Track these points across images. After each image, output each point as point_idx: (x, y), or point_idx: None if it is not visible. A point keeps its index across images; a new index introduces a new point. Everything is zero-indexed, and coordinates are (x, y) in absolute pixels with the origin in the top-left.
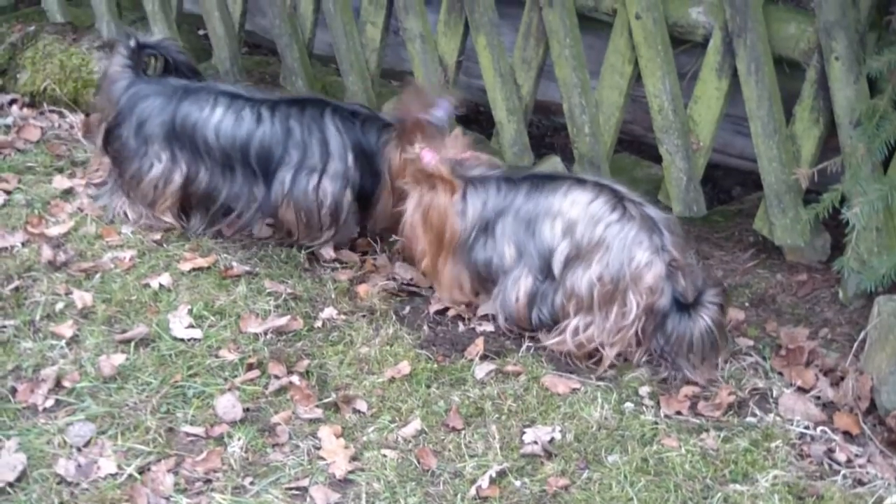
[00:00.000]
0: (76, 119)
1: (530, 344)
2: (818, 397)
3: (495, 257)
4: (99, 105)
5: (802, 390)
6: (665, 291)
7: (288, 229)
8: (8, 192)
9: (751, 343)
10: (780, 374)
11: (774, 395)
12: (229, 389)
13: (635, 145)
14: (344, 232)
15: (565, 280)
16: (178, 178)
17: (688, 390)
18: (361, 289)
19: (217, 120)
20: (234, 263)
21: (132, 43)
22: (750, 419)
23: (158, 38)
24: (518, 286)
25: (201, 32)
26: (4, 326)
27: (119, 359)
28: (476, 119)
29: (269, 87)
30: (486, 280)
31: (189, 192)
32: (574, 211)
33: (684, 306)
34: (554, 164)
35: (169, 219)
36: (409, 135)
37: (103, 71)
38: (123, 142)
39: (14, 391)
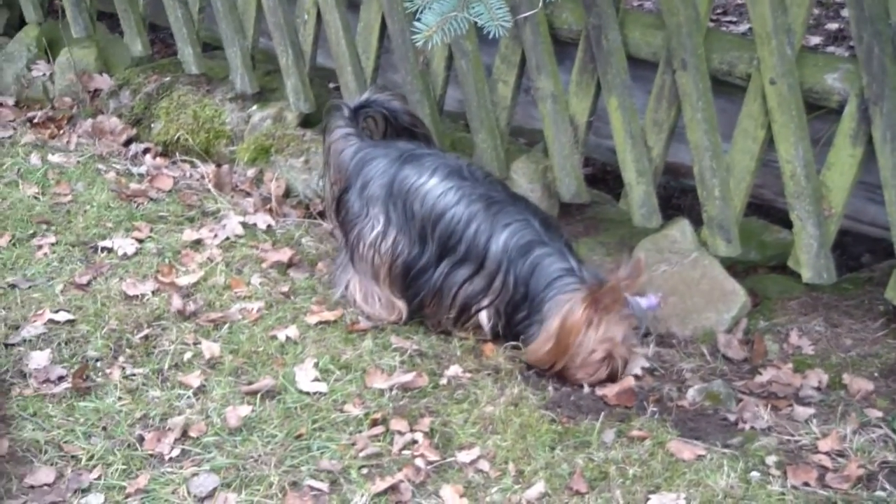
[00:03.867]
0: (207, 170)
1: (655, 409)
2: None
3: None
4: (327, 181)
5: None
6: None
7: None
8: (140, 241)
9: (880, 415)
10: None
11: None
12: (353, 444)
13: (765, 210)
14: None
15: None
16: (389, 243)
17: (816, 460)
18: (487, 347)
19: (427, 189)
20: (361, 318)
21: (345, 111)
22: (879, 493)
23: (366, 95)
24: None
25: (333, 86)
26: (134, 375)
27: (245, 410)
28: (603, 178)
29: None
30: None
31: (396, 260)
32: None
33: None
34: (682, 227)
35: (399, 302)
36: (602, 299)
37: (326, 146)
38: (349, 205)
39: (141, 439)
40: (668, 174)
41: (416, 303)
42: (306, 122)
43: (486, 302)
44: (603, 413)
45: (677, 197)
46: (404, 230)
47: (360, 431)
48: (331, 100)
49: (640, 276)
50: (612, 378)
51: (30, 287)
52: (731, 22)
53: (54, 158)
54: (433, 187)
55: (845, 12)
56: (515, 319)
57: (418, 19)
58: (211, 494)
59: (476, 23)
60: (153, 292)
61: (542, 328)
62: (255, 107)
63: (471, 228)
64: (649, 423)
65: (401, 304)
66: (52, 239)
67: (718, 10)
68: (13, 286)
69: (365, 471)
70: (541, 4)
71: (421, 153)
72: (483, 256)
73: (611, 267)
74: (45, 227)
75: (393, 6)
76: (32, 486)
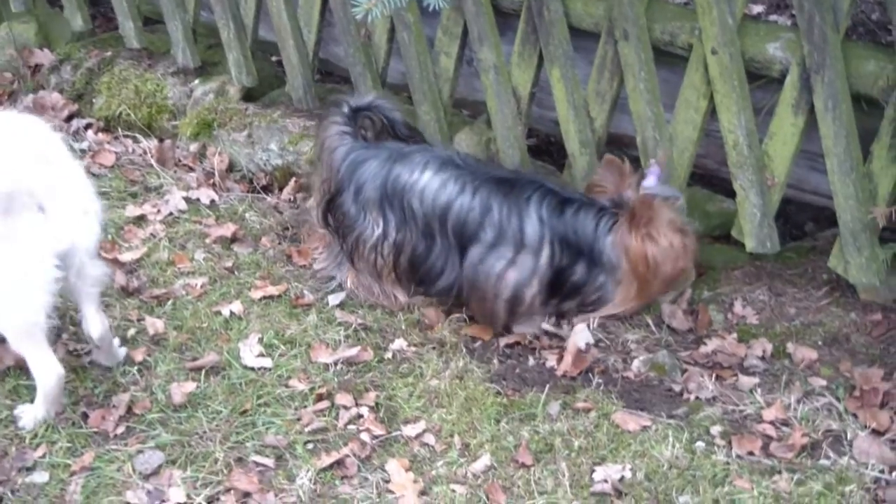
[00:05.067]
0: (150, 144)
1: (600, 380)
2: (894, 440)
3: None
4: (317, 176)
5: (877, 433)
6: None
7: (467, 305)
8: None
9: (824, 383)
10: (854, 415)
11: (848, 438)
12: (298, 420)
13: (707, 179)
14: (524, 326)
15: None
16: (390, 245)
17: (761, 430)
18: (432, 320)
19: (423, 184)
20: (306, 292)
21: (345, 108)
22: (823, 461)
23: (370, 98)
24: None
25: (275, 59)
26: (77, 351)
27: (190, 386)
28: (547, 150)
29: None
30: None
31: (399, 259)
32: None
33: None
34: None
35: (401, 295)
36: (639, 215)
37: (319, 141)
38: (345, 210)
39: (86, 417)
40: (612, 145)
41: (442, 297)
42: (249, 95)
43: (536, 283)
44: (548, 385)
45: None
46: (405, 228)
47: (306, 406)
48: (336, 97)
49: (623, 169)
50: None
51: None
52: None
53: None
54: (429, 181)
55: None
56: (571, 281)
57: None
58: (156, 471)
59: None
60: None
61: (615, 277)
62: (197, 81)
63: (494, 212)
64: (594, 395)
65: (402, 297)
66: None
67: None
68: None
69: (310, 446)
70: None
71: (409, 150)
72: (521, 234)
73: (595, 186)
74: None
75: None
76: None
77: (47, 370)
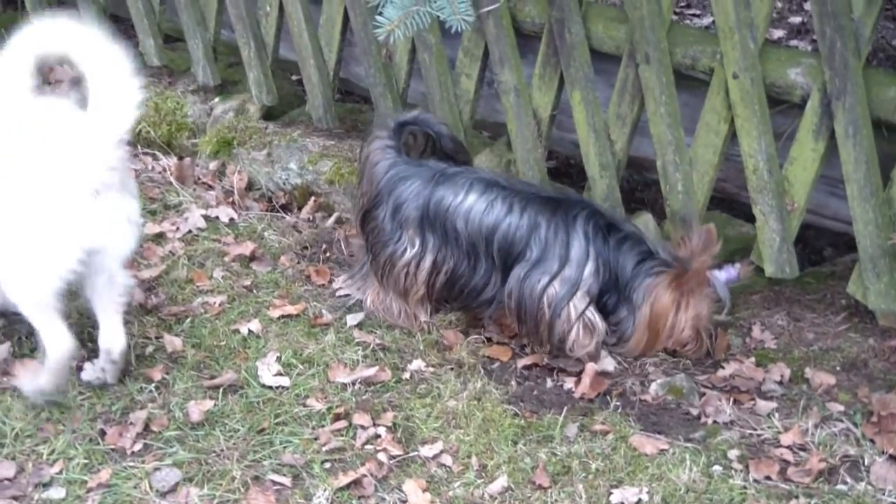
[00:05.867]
0: (169, 162)
1: (618, 403)
2: None
3: None
4: (359, 188)
5: (894, 458)
6: None
7: (512, 327)
8: None
9: (841, 409)
10: (872, 441)
11: (866, 464)
12: (315, 439)
13: (727, 203)
14: (574, 346)
15: None
16: (427, 265)
17: (778, 454)
18: (450, 341)
19: (468, 206)
20: (324, 311)
21: (391, 123)
22: (841, 487)
23: (415, 113)
24: None
25: (295, 78)
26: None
27: (207, 404)
28: (566, 172)
29: (512, 176)
30: None
31: (435, 279)
32: None
33: None
34: (646, 220)
35: (422, 315)
36: (687, 281)
37: (363, 153)
38: (380, 225)
39: (103, 434)
40: (632, 168)
41: (486, 318)
42: (269, 114)
43: (579, 300)
44: (566, 407)
45: (640, 190)
46: (446, 250)
47: (323, 426)
48: (374, 114)
49: (714, 247)
50: (702, 353)
51: None
52: (694, 15)
53: None
54: (475, 203)
55: (808, 5)
56: (602, 302)
57: (380, 13)
58: (173, 489)
59: (438, 17)
60: None
61: (634, 318)
62: (217, 99)
63: (541, 229)
64: (612, 417)
65: (423, 316)
66: None
67: (682, 4)
68: None
69: (327, 465)
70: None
71: (453, 171)
72: (566, 250)
73: (681, 240)
74: None
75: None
76: None
77: (57, 341)
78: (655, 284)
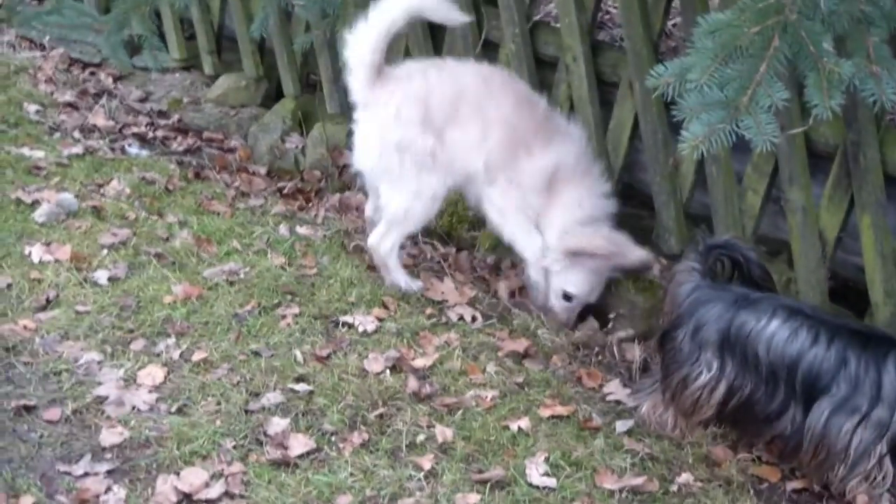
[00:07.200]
0: (448, 251)
1: None
2: None
3: None
4: (662, 307)
5: None
6: None
7: (801, 459)
8: (380, 319)
9: None
10: None
11: None
12: None
13: None
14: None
15: None
16: (722, 388)
17: None
18: (719, 457)
19: (771, 332)
20: (594, 415)
21: (701, 246)
22: None
23: (725, 237)
24: None
25: None
26: (367, 452)
27: (474, 498)
28: (844, 295)
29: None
30: None
31: (728, 403)
32: None
33: None
34: None
35: (697, 432)
36: None
37: (670, 275)
38: (678, 346)
39: None
40: None
41: (772, 446)
42: None
43: (884, 444)
44: None
45: None
46: (744, 375)
47: None
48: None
49: None
50: None
51: (272, 355)
52: None
53: (302, 230)
54: (778, 330)
55: None
56: None
57: (685, 129)
58: None
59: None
60: (390, 370)
61: None
62: None
63: (850, 365)
64: None
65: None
66: (296, 310)
67: None
68: (256, 353)
69: None
70: (810, 122)
71: (756, 297)
72: (877, 390)
73: None
74: (289, 297)
75: (646, 105)
76: None
77: None
78: None
